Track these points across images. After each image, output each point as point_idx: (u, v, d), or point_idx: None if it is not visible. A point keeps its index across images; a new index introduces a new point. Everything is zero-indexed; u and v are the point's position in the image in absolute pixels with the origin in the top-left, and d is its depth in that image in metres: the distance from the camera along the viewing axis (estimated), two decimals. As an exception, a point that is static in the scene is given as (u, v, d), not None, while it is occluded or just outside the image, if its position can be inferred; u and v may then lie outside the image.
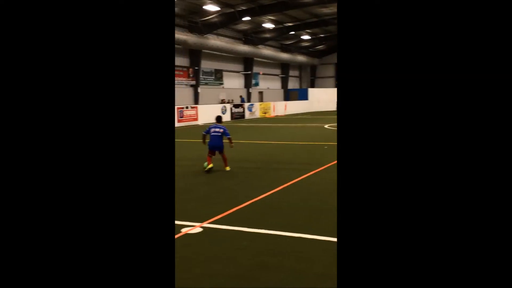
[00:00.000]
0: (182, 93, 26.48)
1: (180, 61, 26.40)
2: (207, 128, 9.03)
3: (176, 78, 25.79)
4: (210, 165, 8.55)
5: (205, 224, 5.01)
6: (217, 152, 8.78)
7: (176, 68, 25.74)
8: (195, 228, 4.88)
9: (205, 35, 26.04)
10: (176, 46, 24.90)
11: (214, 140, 8.69)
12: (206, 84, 28.67)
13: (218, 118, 9.39)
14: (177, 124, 21.43)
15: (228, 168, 8.73)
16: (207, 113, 23.60)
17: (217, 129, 8.83)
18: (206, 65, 28.56)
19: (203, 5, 23.27)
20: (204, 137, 8.92)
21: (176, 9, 23.75)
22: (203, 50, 27.08)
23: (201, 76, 27.84)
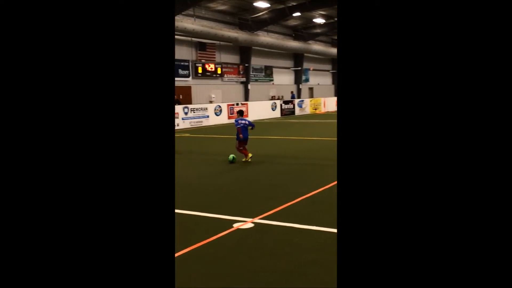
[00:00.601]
0: (232, 90, 26.78)
1: (231, 58, 26.69)
2: (235, 122, 9.81)
3: (226, 75, 26.13)
4: (250, 155, 9.42)
5: (256, 220, 5.06)
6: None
7: (226, 65, 26.07)
8: (247, 223, 4.95)
9: (255, 32, 26.17)
10: (226, 43, 25.22)
11: (244, 132, 9.52)
12: (256, 80, 28.83)
13: (240, 112, 10.41)
14: (227, 121, 21.73)
15: (249, 158, 9.46)
16: (257, 110, 23.73)
17: (243, 121, 9.66)
18: (256, 61, 28.70)
19: (253, 2, 23.37)
20: (238, 130, 9.58)
21: (226, 6, 24.04)
22: (253, 47, 27.22)
23: (251, 73, 28.03)
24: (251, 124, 9.81)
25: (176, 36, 22.09)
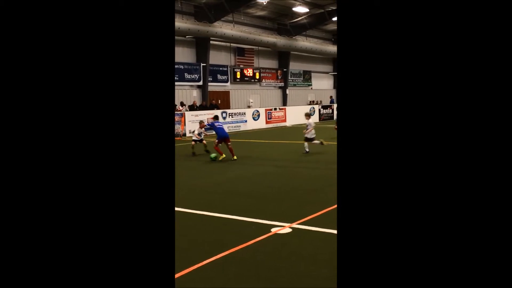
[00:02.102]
0: (270, 95, 26.80)
1: (269, 63, 26.74)
2: (208, 125, 11.52)
3: (264, 80, 26.18)
4: (223, 156, 10.49)
5: (294, 225, 5.01)
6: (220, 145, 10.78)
7: (264, 70, 26.13)
8: (285, 228, 4.90)
9: (294, 37, 26.12)
10: (265, 48, 25.29)
11: (222, 131, 10.85)
12: (294, 85, 28.74)
13: (216, 117, 12.37)
14: (265, 126, 21.74)
15: (235, 157, 10.52)
16: (295, 115, 23.64)
17: (219, 123, 11.32)
18: (295, 66, 28.62)
19: (292, 7, 23.36)
20: (217, 131, 10.91)
21: (265, 12, 24.13)
22: (292, 52, 27.17)
23: (289, 78, 27.97)
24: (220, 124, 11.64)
25: (215, 42, 22.37)
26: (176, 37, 20.44)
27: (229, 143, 10.70)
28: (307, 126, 11.31)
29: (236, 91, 24.58)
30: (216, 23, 21.06)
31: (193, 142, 12.03)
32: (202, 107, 20.31)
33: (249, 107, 24.22)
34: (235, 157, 10.55)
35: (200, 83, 22.00)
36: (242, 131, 20.43)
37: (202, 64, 21.83)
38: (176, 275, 3.53)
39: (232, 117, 20.56)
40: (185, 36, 20.80)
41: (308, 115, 12.07)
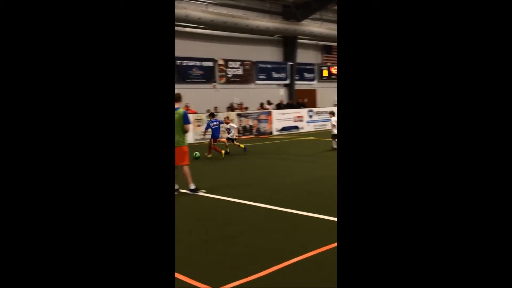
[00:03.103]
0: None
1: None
2: (206, 125, 12.07)
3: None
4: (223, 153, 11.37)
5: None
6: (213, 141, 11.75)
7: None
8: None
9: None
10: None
11: (217, 131, 11.77)
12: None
13: (212, 114, 12.70)
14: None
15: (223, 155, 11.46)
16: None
17: (215, 123, 11.90)
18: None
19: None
20: (205, 132, 12.08)
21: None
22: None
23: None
24: (221, 122, 12.32)
25: (302, 41, 22.39)
26: (263, 37, 20.83)
27: (215, 143, 11.72)
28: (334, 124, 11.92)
29: (322, 90, 24.40)
30: (303, 22, 21.07)
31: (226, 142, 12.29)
32: (289, 106, 20.50)
33: (335, 105, 23.91)
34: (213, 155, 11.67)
35: (287, 82, 22.18)
36: (328, 129, 20.24)
37: (289, 63, 21.99)
38: (261, 274, 3.69)
39: (318, 115, 20.47)
40: (273, 36, 21.10)
41: (332, 113, 12.64)
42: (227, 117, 13.15)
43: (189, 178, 7.03)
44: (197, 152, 11.54)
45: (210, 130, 11.77)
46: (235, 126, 12.75)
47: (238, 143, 12.31)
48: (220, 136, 12.13)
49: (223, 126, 12.54)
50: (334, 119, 12.20)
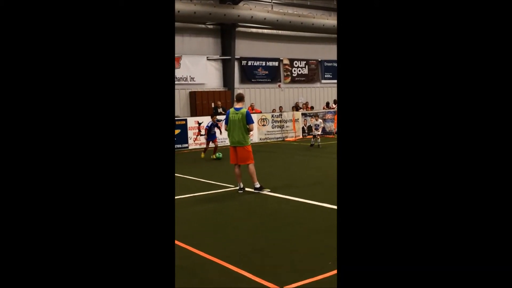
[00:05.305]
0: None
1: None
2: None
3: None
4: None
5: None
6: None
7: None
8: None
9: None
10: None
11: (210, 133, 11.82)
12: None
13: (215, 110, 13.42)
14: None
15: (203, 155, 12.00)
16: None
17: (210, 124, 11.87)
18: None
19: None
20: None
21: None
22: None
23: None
24: (214, 124, 12.15)
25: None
26: (329, 35, 20.53)
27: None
28: None
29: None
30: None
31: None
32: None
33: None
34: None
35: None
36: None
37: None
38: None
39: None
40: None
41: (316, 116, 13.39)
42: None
43: (254, 177, 7.06)
44: (219, 153, 11.58)
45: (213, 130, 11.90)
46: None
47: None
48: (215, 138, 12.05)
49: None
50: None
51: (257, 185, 7.08)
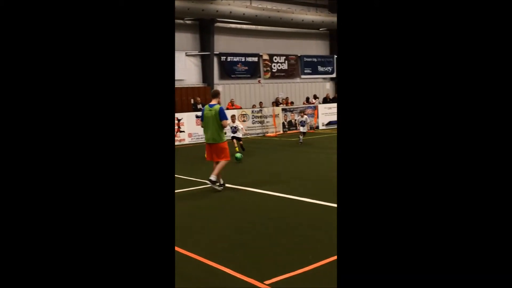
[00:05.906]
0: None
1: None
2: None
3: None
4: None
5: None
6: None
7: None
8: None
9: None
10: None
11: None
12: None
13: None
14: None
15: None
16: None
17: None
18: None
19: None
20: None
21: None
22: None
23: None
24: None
25: (349, 33, 21.90)
26: (309, 30, 20.57)
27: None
28: None
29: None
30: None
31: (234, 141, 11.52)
32: (335, 100, 20.13)
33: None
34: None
35: (333, 75, 21.81)
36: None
37: (335, 56, 21.61)
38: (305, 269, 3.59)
39: (366, 109, 20.03)
40: (318, 29, 20.80)
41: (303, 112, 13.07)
42: (233, 116, 11.96)
43: (218, 171, 6.87)
44: (238, 153, 10.44)
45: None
46: (241, 126, 11.93)
47: (240, 143, 11.55)
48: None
49: (230, 125, 10.96)
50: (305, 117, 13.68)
51: (214, 178, 6.84)
